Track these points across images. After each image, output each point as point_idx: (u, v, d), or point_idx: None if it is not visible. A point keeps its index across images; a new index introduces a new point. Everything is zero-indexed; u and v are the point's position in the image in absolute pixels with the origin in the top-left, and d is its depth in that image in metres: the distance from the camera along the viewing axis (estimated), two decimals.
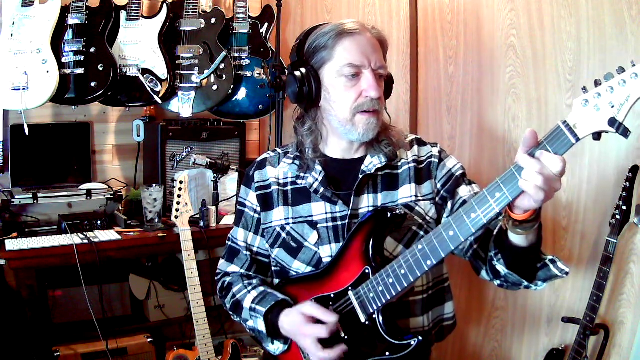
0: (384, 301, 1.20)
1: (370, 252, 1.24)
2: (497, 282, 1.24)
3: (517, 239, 1.09)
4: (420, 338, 1.18)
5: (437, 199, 1.36)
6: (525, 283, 1.18)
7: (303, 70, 1.33)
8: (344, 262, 1.29)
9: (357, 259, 1.26)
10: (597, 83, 0.93)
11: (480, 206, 1.05)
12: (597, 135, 0.94)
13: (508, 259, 1.15)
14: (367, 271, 1.24)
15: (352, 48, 1.29)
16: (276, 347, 1.36)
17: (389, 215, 1.24)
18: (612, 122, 0.91)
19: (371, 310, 1.22)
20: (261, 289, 1.40)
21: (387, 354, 1.20)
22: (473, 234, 1.08)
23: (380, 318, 1.21)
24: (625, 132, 0.91)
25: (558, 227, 2.03)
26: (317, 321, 1.23)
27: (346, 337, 1.25)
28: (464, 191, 1.34)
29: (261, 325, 1.33)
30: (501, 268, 1.17)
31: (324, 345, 1.22)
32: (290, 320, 1.27)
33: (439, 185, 1.37)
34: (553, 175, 0.96)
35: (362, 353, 1.23)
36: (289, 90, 1.36)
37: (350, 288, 1.26)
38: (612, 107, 0.91)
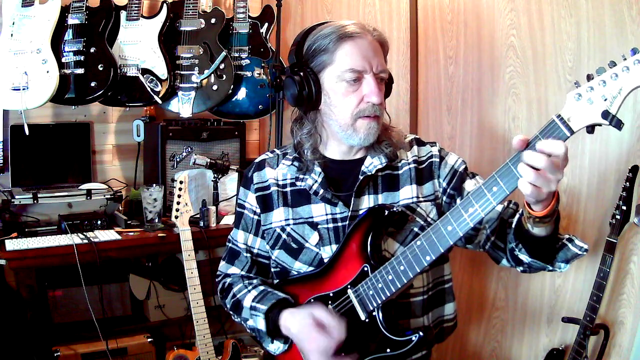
0: (384, 298, 1.20)
1: (369, 250, 1.24)
2: (519, 268, 1.25)
3: (538, 230, 1.10)
4: (421, 333, 1.18)
5: (445, 197, 1.36)
6: (549, 267, 1.20)
7: (302, 73, 1.30)
8: (342, 261, 1.29)
9: (356, 257, 1.26)
10: (589, 77, 0.94)
11: (477, 200, 1.06)
12: (590, 129, 0.95)
13: (530, 248, 1.16)
14: (365, 269, 1.24)
15: (354, 52, 1.27)
16: (276, 347, 1.35)
17: (385, 213, 1.24)
18: (606, 114, 0.92)
19: (371, 308, 1.22)
20: (261, 288, 1.39)
21: (388, 350, 1.20)
22: (471, 229, 1.09)
23: (380, 315, 1.21)
24: (618, 124, 0.92)
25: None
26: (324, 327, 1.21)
27: (346, 335, 1.25)
28: (469, 185, 1.34)
29: (261, 324, 1.32)
30: (524, 257, 1.19)
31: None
32: (298, 321, 1.24)
33: (444, 184, 1.36)
34: (551, 166, 0.96)
35: (363, 351, 1.23)
36: (288, 93, 1.34)
37: (349, 286, 1.26)
38: (605, 100, 0.92)
